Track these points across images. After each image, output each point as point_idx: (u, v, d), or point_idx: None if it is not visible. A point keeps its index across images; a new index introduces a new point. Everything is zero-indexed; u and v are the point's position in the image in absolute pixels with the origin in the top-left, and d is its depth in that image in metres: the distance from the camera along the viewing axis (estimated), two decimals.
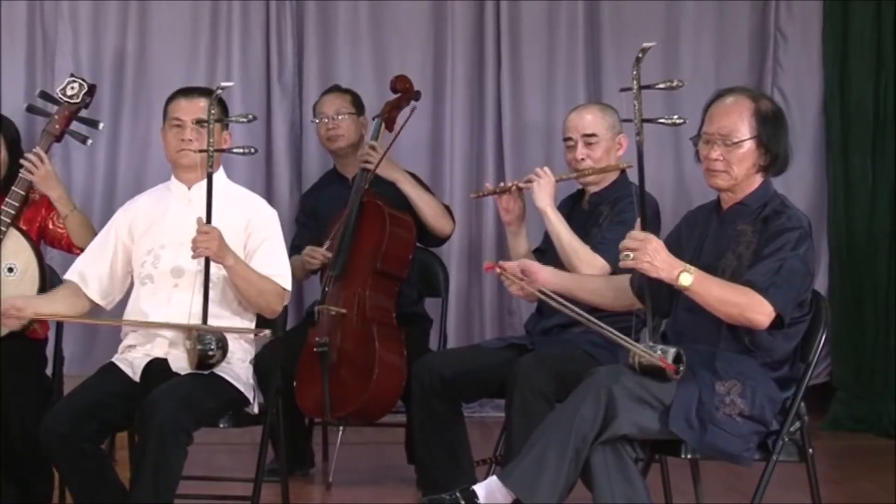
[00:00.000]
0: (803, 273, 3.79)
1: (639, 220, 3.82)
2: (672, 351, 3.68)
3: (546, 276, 4.08)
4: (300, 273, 5.43)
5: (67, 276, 4.35)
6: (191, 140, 4.25)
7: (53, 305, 4.30)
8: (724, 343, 3.83)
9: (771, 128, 3.85)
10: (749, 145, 3.84)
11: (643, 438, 3.71)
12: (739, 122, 3.84)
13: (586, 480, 3.70)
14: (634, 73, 3.77)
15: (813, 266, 3.87)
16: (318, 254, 5.33)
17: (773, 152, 3.87)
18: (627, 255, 3.74)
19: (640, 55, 3.76)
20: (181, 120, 4.27)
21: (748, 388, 3.74)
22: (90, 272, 4.31)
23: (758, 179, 3.91)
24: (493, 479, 3.72)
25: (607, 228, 4.61)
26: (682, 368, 3.68)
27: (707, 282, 3.73)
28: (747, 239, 3.85)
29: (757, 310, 3.72)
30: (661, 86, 3.86)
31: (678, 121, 3.87)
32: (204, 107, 4.22)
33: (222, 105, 4.26)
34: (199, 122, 4.23)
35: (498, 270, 4.05)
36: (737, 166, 3.86)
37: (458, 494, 3.70)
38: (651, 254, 3.71)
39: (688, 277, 3.71)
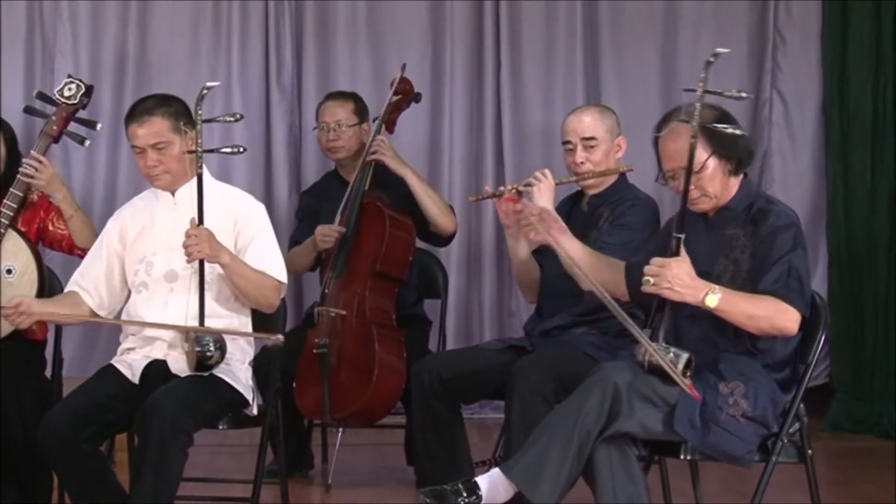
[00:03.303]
0: (807, 268, 3.81)
1: (674, 241, 3.77)
2: (685, 356, 3.69)
3: (565, 239, 4.13)
4: (305, 262, 5.42)
5: (67, 287, 4.36)
6: (154, 166, 4.22)
7: (58, 308, 4.30)
8: (725, 345, 3.83)
9: (720, 135, 3.81)
10: (711, 164, 3.82)
11: (646, 438, 3.71)
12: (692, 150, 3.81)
13: (587, 476, 3.70)
14: (703, 76, 3.69)
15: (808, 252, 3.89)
16: (332, 231, 5.27)
17: (734, 156, 3.85)
18: (648, 281, 3.74)
19: (712, 59, 3.69)
20: (139, 147, 4.23)
21: (751, 389, 3.75)
22: (89, 285, 4.31)
23: (735, 183, 3.91)
24: (495, 471, 3.72)
25: (607, 232, 4.60)
26: (689, 374, 3.69)
27: (733, 299, 3.73)
28: (741, 243, 3.85)
29: (784, 317, 3.74)
30: (728, 94, 3.80)
31: (738, 131, 3.84)
32: (158, 124, 4.18)
33: (184, 105, 4.25)
34: (156, 146, 4.18)
35: (518, 207, 4.19)
36: (710, 187, 3.84)
37: (459, 485, 3.70)
38: (670, 279, 3.71)
39: (714, 298, 3.71)
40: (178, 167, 4.21)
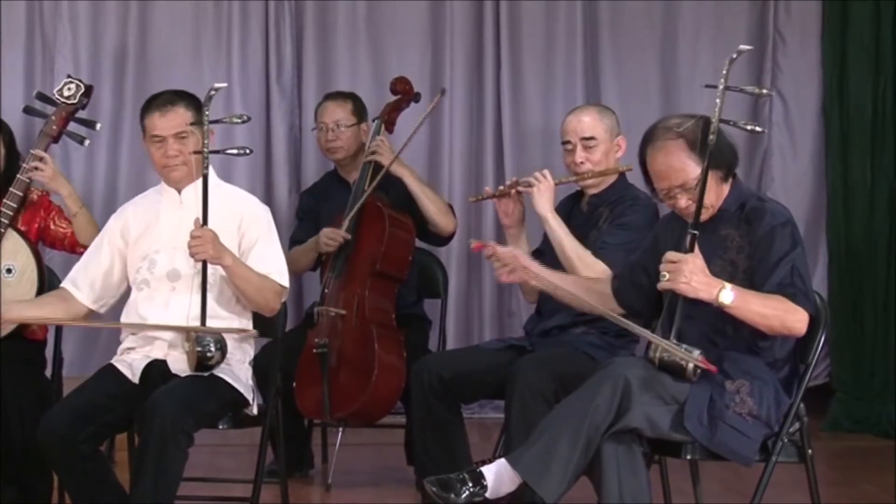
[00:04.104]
0: (807, 265, 3.82)
1: (689, 237, 3.76)
2: (697, 352, 3.69)
3: (536, 269, 4.10)
4: (305, 261, 5.42)
5: (63, 284, 4.36)
6: (175, 155, 4.23)
7: (41, 310, 4.30)
8: (725, 345, 3.83)
9: (708, 147, 3.79)
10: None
11: (652, 436, 3.71)
12: (685, 166, 3.80)
13: (590, 471, 3.69)
14: (724, 72, 3.69)
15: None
16: (337, 235, 5.26)
17: (723, 163, 3.84)
18: (664, 276, 3.73)
19: (735, 56, 3.69)
20: (161, 136, 4.24)
21: (756, 387, 3.76)
22: (82, 278, 4.31)
23: (726, 187, 3.90)
24: (501, 462, 3.71)
25: (607, 232, 4.60)
26: (699, 371, 3.69)
27: (746, 297, 3.72)
28: (737, 244, 3.84)
29: (794, 318, 3.73)
30: (748, 90, 3.79)
31: (757, 129, 3.81)
32: (181, 115, 4.21)
33: (199, 105, 4.25)
34: (180, 133, 4.21)
35: (488, 252, 4.08)
36: (707, 198, 3.81)
37: (465, 475, 3.70)
38: (687, 275, 3.69)
39: (728, 295, 3.70)
40: (192, 161, 4.21)
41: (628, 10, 6.79)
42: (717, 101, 3.69)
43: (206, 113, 4.09)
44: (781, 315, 3.73)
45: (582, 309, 4.15)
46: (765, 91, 3.84)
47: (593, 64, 6.80)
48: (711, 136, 3.71)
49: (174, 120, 4.22)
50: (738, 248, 3.84)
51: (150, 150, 4.30)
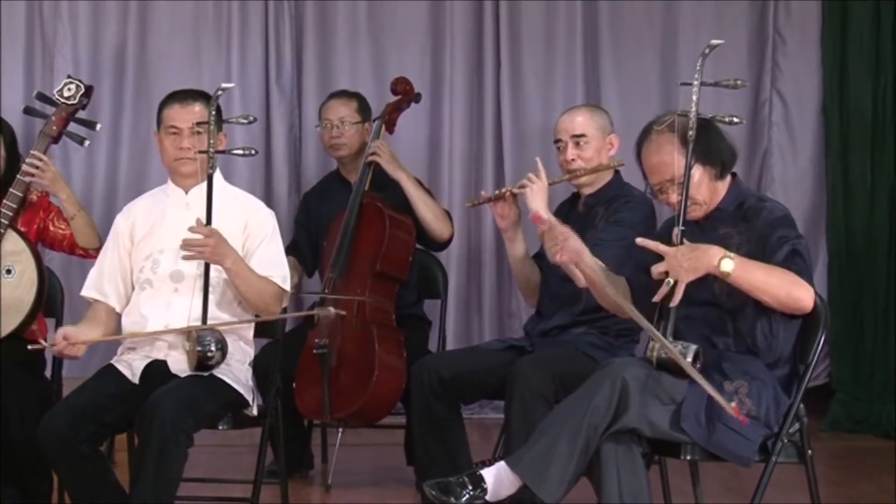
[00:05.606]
0: (810, 254, 3.82)
1: (677, 230, 3.77)
2: (693, 348, 3.69)
3: (588, 258, 4.07)
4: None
5: (85, 292, 4.35)
6: (189, 148, 4.25)
7: (97, 332, 4.29)
8: (726, 344, 3.83)
9: (703, 143, 3.80)
10: (697, 172, 3.81)
11: (651, 435, 3.71)
12: (675, 160, 3.80)
13: (590, 471, 3.68)
14: (698, 68, 3.70)
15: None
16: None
17: (717, 161, 3.85)
18: (668, 283, 3.72)
19: (707, 51, 3.71)
20: (178, 128, 4.26)
21: (755, 388, 3.75)
22: (108, 286, 4.32)
23: (723, 186, 3.91)
24: (501, 464, 3.71)
25: (603, 229, 4.60)
26: (697, 367, 3.69)
27: (749, 265, 3.70)
28: (735, 241, 3.84)
29: (800, 290, 3.72)
30: (724, 83, 3.80)
31: (736, 120, 3.83)
32: (199, 111, 4.24)
33: (217, 106, 4.26)
34: (196, 127, 4.23)
35: (544, 227, 4.07)
36: (698, 195, 3.83)
37: (465, 478, 3.70)
38: (684, 262, 3.69)
39: (729, 263, 3.68)
40: (201, 159, 4.22)
41: (628, 10, 6.79)
42: (694, 97, 3.70)
43: (213, 113, 4.10)
44: (787, 286, 3.70)
45: (617, 309, 4.08)
46: (739, 82, 3.85)
47: (593, 64, 6.80)
48: (691, 132, 3.73)
49: (192, 114, 4.25)
50: (737, 246, 3.84)
51: (162, 143, 4.31)
